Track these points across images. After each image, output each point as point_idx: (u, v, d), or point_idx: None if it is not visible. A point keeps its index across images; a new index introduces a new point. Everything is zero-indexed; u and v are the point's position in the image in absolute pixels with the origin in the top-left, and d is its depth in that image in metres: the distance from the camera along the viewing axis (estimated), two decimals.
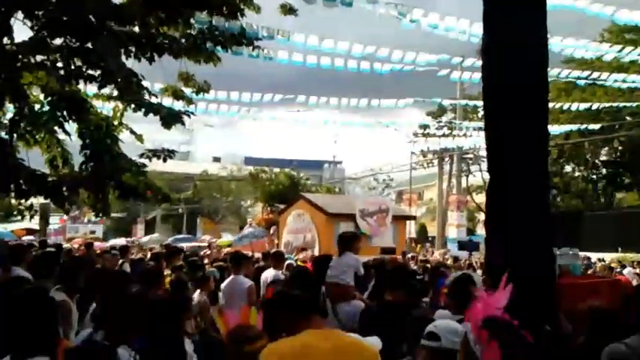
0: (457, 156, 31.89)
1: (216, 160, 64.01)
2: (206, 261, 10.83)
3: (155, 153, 9.07)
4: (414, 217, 30.98)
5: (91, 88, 9.56)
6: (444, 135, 31.81)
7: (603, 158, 33.98)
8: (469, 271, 6.20)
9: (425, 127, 35.99)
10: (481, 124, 16.67)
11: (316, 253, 17.64)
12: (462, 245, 15.14)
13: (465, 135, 28.38)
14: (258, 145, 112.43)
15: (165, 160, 9.06)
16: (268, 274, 7.30)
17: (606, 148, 32.71)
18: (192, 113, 9.57)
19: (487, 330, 2.35)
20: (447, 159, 34.76)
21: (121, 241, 26.61)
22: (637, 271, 13.78)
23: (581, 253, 18.71)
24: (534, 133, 2.79)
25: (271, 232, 22.58)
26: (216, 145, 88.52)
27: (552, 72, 16.85)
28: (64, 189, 8.86)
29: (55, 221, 39.29)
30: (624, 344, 3.18)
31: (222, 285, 6.72)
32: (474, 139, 27.41)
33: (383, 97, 21.65)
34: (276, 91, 16.96)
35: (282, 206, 24.69)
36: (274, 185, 35.21)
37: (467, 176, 36.49)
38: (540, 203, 2.85)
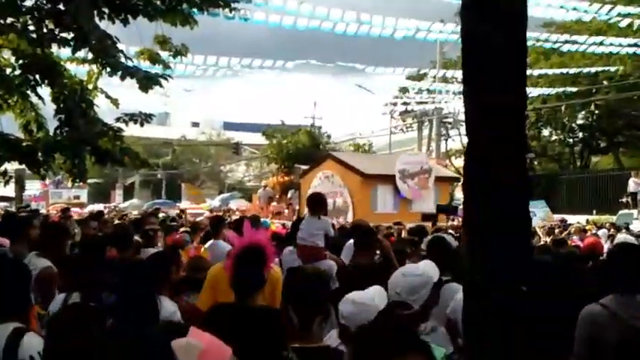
0: (436, 120, 31.96)
1: (195, 125, 63.50)
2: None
3: (132, 117, 8.95)
4: (458, 179, 26.64)
5: (65, 52, 9.35)
6: (422, 102, 31.75)
7: (580, 122, 34.34)
8: (441, 234, 6.35)
9: (404, 90, 35.86)
10: (460, 87, 16.77)
11: (349, 219, 15.79)
12: (440, 209, 15.16)
13: (445, 100, 28.43)
14: (236, 110, 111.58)
15: (142, 125, 8.94)
16: None
17: (583, 112, 33.02)
18: (170, 76, 9.41)
19: None
20: (426, 123, 34.83)
21: (99, 207, 26.43)
22: (611, 232, 14.12)
23: (557, 216, 19.18)
24: (513, 93, 2.79)
25: (289, 196, 21.02)
26: (195, 110, 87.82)
27: (532, 35, 16.82)
28: (39, 154, 8.73)
29: (35, 187, 38.75)
30: (600, 304, 3.26)
31: (202, 249, 6.74)
32: (454, 103, 27.50)
33: (362, 61, 21.50)
34: (254, 55, 16.74)
35: (303, 167, 22.51)
36: (292, 144, 31.30)
37: (446, 140, 36.68)
38: (518, 166, 2.86)
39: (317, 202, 5.74)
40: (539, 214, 16.12)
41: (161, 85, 8.70)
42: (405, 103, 34.54)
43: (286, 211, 19.35)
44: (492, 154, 2.84)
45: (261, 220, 11.24)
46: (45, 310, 3.74)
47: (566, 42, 20.08)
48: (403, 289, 3.08)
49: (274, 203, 19.38)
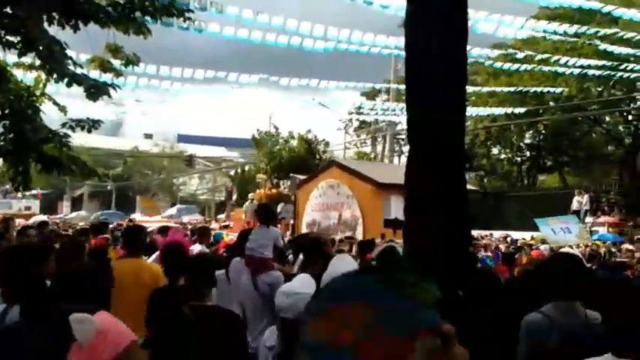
0: (390, 136, 32.41)
1: (148, 136, 62.54)
2: None
3: (79, 123, 8.75)
4: (475, 192, 25.06)
5: (11, 56, 9.12)
6: (376, 119, 32.17)
7: (528, 141, 35.38)
8: (392, 243, 6.46)
9: (359, 107, 36.32)
10: None
11: (359, 235, 14.21)
12: (387, 223, 14.84)
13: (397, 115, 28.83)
14: (191, 123, 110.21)
15: (90, 131, 8.78)
16: (194, 249, 7.26)
17: (530, 132, 34.06)
18: (118, 86, 9.26)
19: None
20: (379, 139, 35.28)
21: (43, 218, 25.64)
22: (553, 247, 14.48)
23: (504, 232, 19.67)
24: (453, 104, 2.88)
25: (278, 209, 19.23)
26: (148, 122, 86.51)
27: (482, 53, 17.28)
28: None
29: None
30: (541, 313, 3.36)
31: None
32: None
33: (317, 75, 21.57)
34: (209, 68, 16.60)
35: (300, 177, 19.68)
36: (285, 152, 28.18)
37: (399, 156, 37.22)
38: (457, 176, 2.95)
39: (266, 212, 5.73)
40: (574, 230, 15.01)
41: (109, 95, 8.56)
42: (360, 120, 34.91)
43: (278, 227, 17.98)
44: (431, 165, 2.94)
45: (215, 232, 11.17)
46: None
47: (514, 61, 20.74)
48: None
49: None
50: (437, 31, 2.86)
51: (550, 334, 3.25)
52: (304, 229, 15.49)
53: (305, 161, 26.99)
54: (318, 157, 29.81)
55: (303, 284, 3.58)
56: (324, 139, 33.04)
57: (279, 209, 17.61)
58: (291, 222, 17.93)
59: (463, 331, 2.96)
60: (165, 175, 48.24)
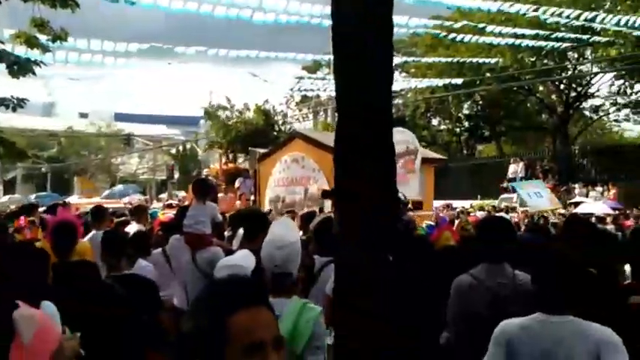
0: (331, 109, 32.44)
1: (83, 116, 60.43)
2: None
3: (2, 102, 8.35)
4: (444, 160, 24.35)
5: None
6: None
7: (466, 112, 36.16)
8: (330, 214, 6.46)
9: (300, 79, 36.15)
10: None
11: (328, 209, 13.08)
12: (325, 194, 14.43)
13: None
14: (129, 101, 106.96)
15: (14, 110, 8.38)
16: (131, 229, 7.08)
17: (468, 103, 34.80)
18: (43, 63, 8.85)
19: None
20: (321, 112, 35.28)
21: None
22: (529, 211, 14.92)
23: (444, 201, 20.13)
24: (379, 72, 2.87)
25: (236, 185, 17.66)
26: (83, 101, 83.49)
27: (420, 23, 17.36)
28: None
29: None
30: (471, 275, 3.43)
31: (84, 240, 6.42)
32: None
33: (257, 47, 21.03)
34: (144, 42, 15.98)
35: (260, 150, 18.70)
36: (241, 124, 26.40)
37: None
38: (386, 144, 2.94)
39: (202, 188, 5.63)
40: (544, 194, 15.26)
41: (34, 73, 8.18)
42: (302, 94, 34.74)
43: (238, 202, 16.20)
44: (359, 136, 2.93)
45: (151, 210, 10.92)
46: None
47: (451, 31, 20.99)
48: (281, 261, 3.04)
49: (220, 195, 16.95)
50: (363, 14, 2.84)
51: (478, 296, 3.32)
52: (267, 206, 14.74)
53: (263, 134, 25.79)
54: (277, 129, 28.63)
55: (243, 257, 3.50)
56: (282, 110, 31.58)
57: (237, 184, 17.17)
58: (252, 198, 16.92)
59: (396, 292, 3.00)
60: (102, 156, 46.87)
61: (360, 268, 2.83)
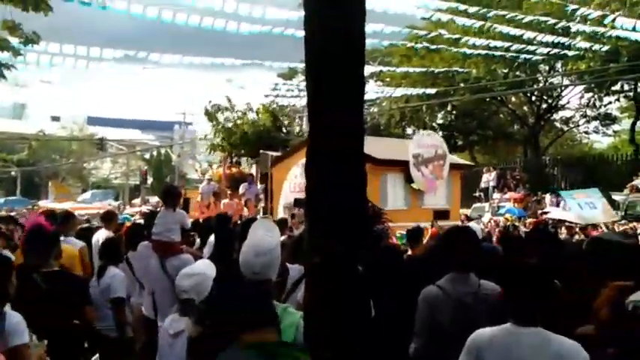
0: (307, 117, 32.44)
1: (55, 119, 59.53)
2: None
3: None
4: (472, 166, 23.64)
5: None
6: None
7: (440, 122, 36.50)
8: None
9: (275, 87, 36.10)
10: None
11: None
12: (297, 202, 14.06)
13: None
14: (101, 105, 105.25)
15: None
16: (100, 235, 7.00)
17: (442, 112, 35.15)
18: (14, 66, 8.73)
19: None
20: (297, 120, 35.30)
21: None
22: (580, 224, 14.25)
23: None
24: (350, 83, 2.90)
25: (241, 191, 16.55)
26: (55, 104, 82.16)
27: (395, 30, 17.48)
28: None
29: None
30: (437, 286, 3.47)
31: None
32: None
33: (232, 55, 20.87)
34: (119, 47, 15.82)
35: (273, 153, 17.57)
36: (248, 125, 24.06)
37: None
38: (356, 156, 2.97)
39: (171, 195, 5.60)
40: (598, 205, 14.17)
41: (3, 76, 8.05)
42: (277, 102, 34.68)
43: (245, 210, 15.16)
44: (331, 142, 2.95)
45: (122, 215, 10.83)
46: None
47: (426, 41, 21.22)
48: (259, 268, 3.01)
49: (225, 201, 15.53)
50: (333, 9, 2.87)
51: (444, 306, 3.37)
52: (280, 213, 14.01)
53: (270, 136, 23.98)
54: (285, 130, 26.98)
55: (206, 267, 3.59)
56: (290, 109, 29.54)
57: (241, 190, 16.41)
58: (261, 205, 16.02)
59: (365, 303, 3.03)
60: (74, 160, 46.20)
61: (328, 278, 2.85)
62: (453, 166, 15.51)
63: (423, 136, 15.98)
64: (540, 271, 2.67)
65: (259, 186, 17.35)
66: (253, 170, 19.99)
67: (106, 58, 16.16)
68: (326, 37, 2.86)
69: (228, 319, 2.24)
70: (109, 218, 7.44)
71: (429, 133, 16.32)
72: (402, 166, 14.00)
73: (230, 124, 24.52)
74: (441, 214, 12.83)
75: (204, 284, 3.45)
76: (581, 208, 14.14)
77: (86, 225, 8.16)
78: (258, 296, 2.44)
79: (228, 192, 17.52)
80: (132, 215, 11.57)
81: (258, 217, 12.92)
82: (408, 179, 14.06)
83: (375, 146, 14.34)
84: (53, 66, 16.08)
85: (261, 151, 19.67)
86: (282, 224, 7.23)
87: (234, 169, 21.51)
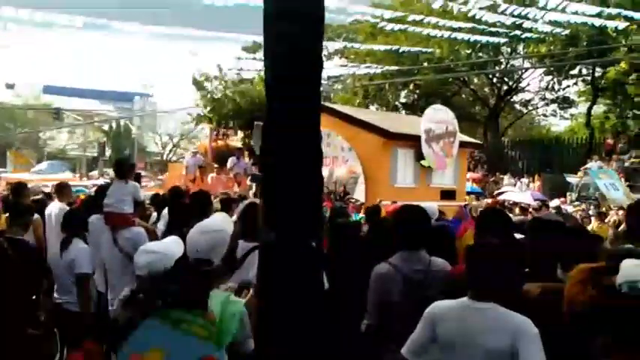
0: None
1: (10, 87, 57.49)
2: None
3: None
4: (481, 146, 22.92)
5: None
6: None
7: (403, 101, 36.70)
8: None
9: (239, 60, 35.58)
10: None
11: (360, 195, 12.52)
12: (253, 178, 13.19)
13: None
14: (59, 73, 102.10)
15: None
16: (53, 207, 6.84)
17: (405, 91, 35.33)
18: None
19: None
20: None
21: None
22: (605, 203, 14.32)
23: None
24: (308, 61, 2.89)
25: (229, 165, 15.60)
26: (10, 71, 79.29)
27: (359, 10, 17.43)
28: None
29: None
30: (389, 263, 3.51)
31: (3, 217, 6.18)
32: None
33: (195, 26, 20.48)
34: (77, 14, 15.33)
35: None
36: (240, 95, 21.79)
37: None
38: (312, 133, 2.97)
39: (123, 166, 5.48)
40: (620, 187, 13.97)
41: None
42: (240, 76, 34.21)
43: (236, 187, 14.29)
44: (287, 117, 2.93)
45: (77, 188, 10.62)
46: None
47: (391, 20, 21.21)
48: (203, 246, 2.99)
49: (213, 175, 14.71)
50: None
51: (395, 283, 3.41)
52: None
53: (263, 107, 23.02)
54: None
55: (170, 245, 3.30)
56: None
57: (229, 164, 15.60)
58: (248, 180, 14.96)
59: (318, 278, 3.03)
60: (29, 129, 44.86)
61: (283, 255, 2.85)
62: (462, 144, 15.28)
63: (435, 110, 15.80)
64: (498, 249, 2.74)
65: (247, 160, 16.70)
66: (245, 143, 19.14)
67: (66, 25, 15.72)
68: (284, 11, 2.82)
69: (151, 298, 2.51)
70: (62, 190, 7.25)
71: (441, 107, 15.97)
72: (413, 141, 13.73)
73: (220, 95, 22.52)
74: (448, 194, 12.70)
75: (163, 263, 3.25)
76: (608, 189, 14.13)
77: (39, 197, 7.95)
78: (186, 278, 2.50)
79: (215, 166, 16.95)
80: (86, 187, 11.29)
81: (250, 193, 12.76)
82: (418, 157, 13.83)
83: (388, 121, 14.45)
84: (8, 31, 15.55)
85: (255, 122, 17.72)
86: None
87: (220, 142, 20.68)
